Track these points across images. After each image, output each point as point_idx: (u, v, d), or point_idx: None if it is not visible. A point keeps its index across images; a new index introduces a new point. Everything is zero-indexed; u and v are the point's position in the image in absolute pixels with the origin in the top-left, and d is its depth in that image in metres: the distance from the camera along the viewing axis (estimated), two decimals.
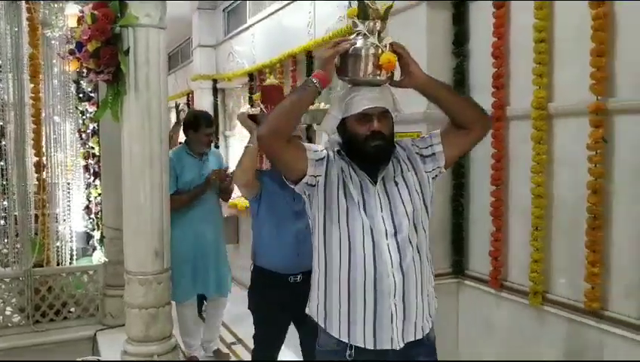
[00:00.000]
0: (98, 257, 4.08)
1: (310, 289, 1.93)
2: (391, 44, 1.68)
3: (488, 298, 2.85)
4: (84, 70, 2.56)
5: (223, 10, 6.73)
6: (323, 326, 1.84)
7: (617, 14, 2.18)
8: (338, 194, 1.79)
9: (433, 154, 1.85)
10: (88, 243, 4.46)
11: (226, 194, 3.80)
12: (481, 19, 2.82)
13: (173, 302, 3.09)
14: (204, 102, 7.01)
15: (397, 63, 1.69)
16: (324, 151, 1.85)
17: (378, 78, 1.72)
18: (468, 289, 2.99)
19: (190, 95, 7.85)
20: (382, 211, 1.77)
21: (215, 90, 7.05)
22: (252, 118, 2.67)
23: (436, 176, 1.88)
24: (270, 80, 2.98)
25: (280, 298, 2.65)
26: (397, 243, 1.76)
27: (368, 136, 1.75)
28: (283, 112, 1.74)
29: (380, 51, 1.67)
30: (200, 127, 3.60)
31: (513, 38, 2.67)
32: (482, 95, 2.70)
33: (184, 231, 3.49)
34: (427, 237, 1.84)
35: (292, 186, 1.86)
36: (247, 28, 5.91)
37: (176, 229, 3.11)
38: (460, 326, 3.05)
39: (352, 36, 1.73)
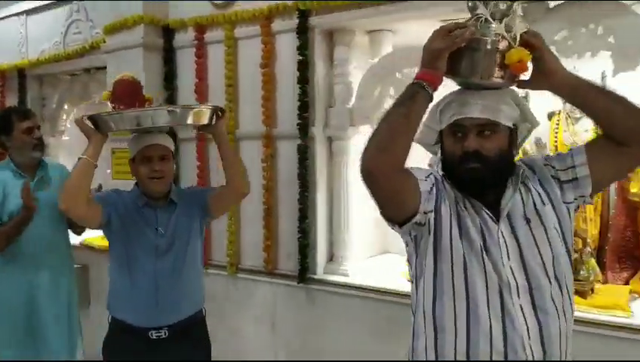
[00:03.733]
0: None
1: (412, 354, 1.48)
2: (522, 34, 1.30)
3: None
4: None
5: None
6: None
7: (277, 74, 3.31)
8: (451, 234, 1.37)
9: (575, 179, 1.39)
10: None
11: (76, 226, 2.81)
12: (186, 62, 3.68)
13: None
14: None
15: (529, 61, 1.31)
16: (431, 176, 1.43)
17: (498, 80, 1.34)
18: None
19: None
20: (509, 259, 1.34)
21: None
22: (91, 120, 2.07)
23: (578, 208, 1.44)
24: (125, 73, 2.42)
25: (139, 357, 2.14)
26: (533, 304, 1.33)
27: (461, 157, 1.37)
28: (391, 135, 1.30)
29: (506, 45, 1.30)
30: (12, 124, 2.64)
31: (211, 80, 3.60)
32: None
33: (13, 280, 2.65)
34: (571, 296, 1.40)
35: (395, 229, 1.44)
36: None
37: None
38: None
39: (470, 21, 1.33)
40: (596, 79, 2.80)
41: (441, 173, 1.46)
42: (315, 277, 3.20)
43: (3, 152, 2.86)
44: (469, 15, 1.35)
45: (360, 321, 3.03)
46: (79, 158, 2.03)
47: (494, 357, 1.30)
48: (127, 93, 2.27)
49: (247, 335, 3.49)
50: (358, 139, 3.30)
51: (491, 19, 1.31)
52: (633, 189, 2.70)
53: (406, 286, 3.04)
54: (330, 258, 3.29)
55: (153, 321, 2.14)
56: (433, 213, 1.38)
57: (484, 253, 1.34)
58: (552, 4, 2.54)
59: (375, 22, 3.13)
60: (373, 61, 3.22)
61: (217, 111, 2.18)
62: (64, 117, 4.84)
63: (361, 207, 3.40)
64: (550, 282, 1.35)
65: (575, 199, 1.41)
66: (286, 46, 3.23)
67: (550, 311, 1.33)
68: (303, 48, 3.12)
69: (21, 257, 2.64)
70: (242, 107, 3.48)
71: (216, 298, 3.65)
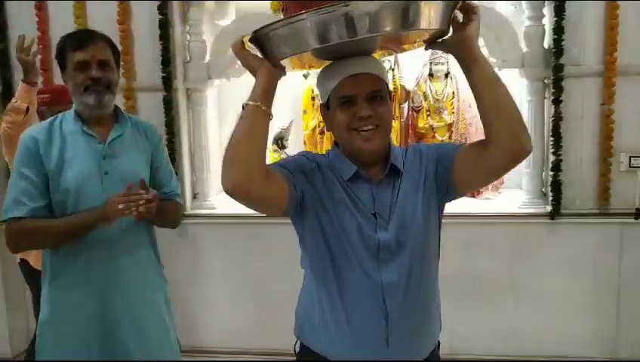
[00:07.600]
0: None
1: None
2: None
3: None
4: None
5: None
6: None
7: (134, 30, 3.54)
8: None
9: None
10: None
11: (160, 218, 1.89)
12: (21, 15, 3.61)
13: None
14: None
15: None
16: None
17: None
18: None
19: None
20: None
21: None
22: (256, 42, 1.27)
23: None
24: None
25: None
26: None
27: None
28: None
29: None
30: (66, 54, 1.81)
31: (53, 34, 3.59)
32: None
33: (74, 287, 1.82)
34: None
35: None
36: None
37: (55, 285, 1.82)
38: None
39: None
40: None
41: None
42: (185, 212, 3.63)
43: None
44: None
45: (229, 243, 3.62)
46: (243, 106, 1.25)
47: None
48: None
49: None
50: (214, 91, 3.81)
51: None
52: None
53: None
54: (194, 196, 3.75)
55: None
56: None
57: None
58: None
59: None
60: (219, 23, 3.73)
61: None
62: None
63: (215, 149, 3.93)
64: None
65: None
66: (141, 4, 3.50)
67: None
68: (163, 8, 3.45)
69: (86, 251, 1.81)
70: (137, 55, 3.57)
71: None
